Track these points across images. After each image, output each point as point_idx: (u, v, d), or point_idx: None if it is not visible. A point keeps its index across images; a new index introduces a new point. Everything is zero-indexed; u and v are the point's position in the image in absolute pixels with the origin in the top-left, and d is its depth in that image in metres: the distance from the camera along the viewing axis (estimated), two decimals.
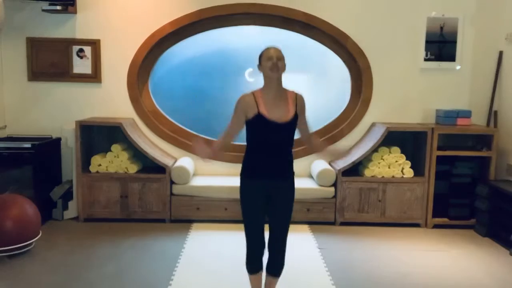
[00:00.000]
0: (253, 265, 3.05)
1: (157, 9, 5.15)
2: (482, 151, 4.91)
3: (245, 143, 2.99)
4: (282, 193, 2.99)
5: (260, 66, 2.91)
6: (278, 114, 2.85)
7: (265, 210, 2.99)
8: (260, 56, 2.90)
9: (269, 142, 2.90)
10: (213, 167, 5.28)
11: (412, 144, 5.24)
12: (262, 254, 3.04)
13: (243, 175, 2.99)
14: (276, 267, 3.06)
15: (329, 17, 5.19)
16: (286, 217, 3.02)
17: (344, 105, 5.49)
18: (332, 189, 4.97)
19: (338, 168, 4.96)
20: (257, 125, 2.86)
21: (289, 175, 3.02)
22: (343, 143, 5.39)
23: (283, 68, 2.87)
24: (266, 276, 3.11)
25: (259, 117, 2.83)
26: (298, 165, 5.34)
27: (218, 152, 3.04)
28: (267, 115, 2.83)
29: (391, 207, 4.96)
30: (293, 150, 3.05)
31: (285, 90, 2.94)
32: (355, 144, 5.36)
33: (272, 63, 2.82)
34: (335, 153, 3.20)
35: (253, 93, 2.90)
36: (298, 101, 2.95)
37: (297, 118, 2.93)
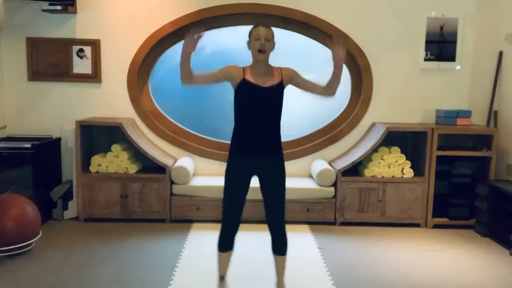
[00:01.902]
0: (225, 243, 3.10)
1: (157, 9, 5.15)
2: (482, 151, 4.91)
3: None
4: (272, 171, 3.00)
5: (249, 43, 2.93)
6: (263, 81, 2.91)
7: (247, 189, 3.00)
8: (250, 34, 2.95)
9: (255, 113, 2.92)
10: (213, 167, 5.29)
11: (412, 144, 5.24)
12: (235, 233, 3.08)
13: (230, 153, 3.01)
14: (281, 246, 3.09)
15: (329, 17, 5.19)
16: (280, 195, 3.03)
17: (344, 105, 5.49)
18: (332, 189, 4.97)
19: (338, 168, 4.96)
20: (243, 91, 2.90)
21: (277, 152, 3.02)
22: (343, 143, 5.40)
23: (271, 48, 2.93)
24: (274, 257, 3.13)
25: (244, 82, 2.89)
26: (298, 165, 5.40)
27: (187, 71, 2.91)
28: (251, 80, 2.89)
29: (391, 207, 4.96)
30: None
31: (271, 67, 3.00)
32: (355, 144, 5.36)
33: (260, 43, 2.86)
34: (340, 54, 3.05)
35: (242, 66, 2.98)
36: (284, 71, 3.00)
37: (283, 87, 2.96)
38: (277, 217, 3.03)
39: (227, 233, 3.07)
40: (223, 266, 3.20)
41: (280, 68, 3.02)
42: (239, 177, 2.97)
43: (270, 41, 2.90)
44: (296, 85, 3.07)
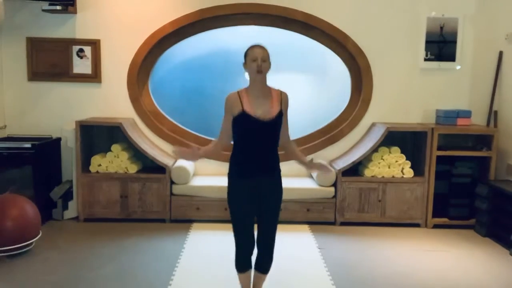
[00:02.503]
0: (242, 264, 3.06)
1: (157, 9, 5.15)
2: (482, 151, 4.91)
3: None
4: (269, 191, 2.99)
5: (245, 64, 2.92)
6: (263, 112, 2.86)
7: (253, 209, 2.99)
8: (246, 55, 2.91)
9: (254, 140, 2.91)
10: (213, 167, 5.28)
11: (412, 144, 5.24)
12: (251, 253, 3.04)
13: (230, 175, 3.00)
14: (264, 265, 3.07)
15: (329, 17, 5.19)
16: (274, 215, 3.03)
17: (344, 105, 5.49)
18: (332, 189, 4.97)
19: (338, 168, 4.96)
20: (242, 123, 2.88)
21: (275, 173, 3.02)
22: (343, 143, 5.39)
23: (267, 69, 2.89)
24: (255, 273, 3.12)
25: (243, 114, 2.85)
26: (298, 165, 5.36)
27: (214, 151, 3.04)
28: (251, 113, 2.85)
29: (391, 207, 4.96)
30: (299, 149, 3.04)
31: (269, 88, 2.96)
32: (355, 144, 5.36)
33: (257, 65, 2.83)
34: (316, 168, 3.14)
35: (238, 92, 2.92)
36: (283, 99, 2.97)
37: (282, 116, 2.94)
38: (268, 236, 3.02)
39: (243, 254, 3.03)
40: (245, 285, 3.18)
41: (280, 93, 2.98)
42: (244, 197, 2.95)
43: (266, 62, 2.87)
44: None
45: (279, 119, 2.92)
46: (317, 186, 5.00)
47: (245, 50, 2.93)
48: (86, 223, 4.88)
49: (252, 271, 3.12)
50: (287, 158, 3.07)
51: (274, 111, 2.89)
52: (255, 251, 3.07)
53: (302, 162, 3.14)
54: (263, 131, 2.89)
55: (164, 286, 3.50)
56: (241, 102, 2.87)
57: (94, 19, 5.16)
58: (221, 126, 3.00)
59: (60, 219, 4.95)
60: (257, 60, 2.83)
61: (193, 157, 3.04)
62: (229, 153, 3.01)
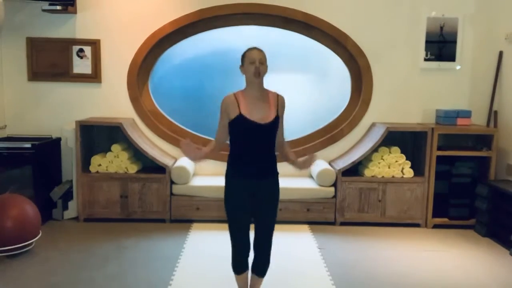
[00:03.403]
0: (239, 266, 3.05)
1: (157, 9, 5.15)
2: (482, 151, 4.91)
3: None
4: (266, 193, 2.98)
5: (242, 67, 2.90)
6: (260, 115, 2.86)
7: (250, 210, 2.98)
8: (243, 58, 2.90)
9: (251, 143, 2.91)
10: (213, 167, 5.28)
11: (412, 144, 5.24)
12: (247, 254, 3.03)
13: (228, 176, 3.00)
14: (261, 268, 3.07)
15: (329, 17, 5.19)
16: (271, 217, 3.02)
17: (344, 105, 5.49)
18: (332, 189, 4.97)
19: (338, 168, 4.96)
20: (239, 126, 2.87)
21: (273, 175, 3.01)
22: (343, 143, 5.40)
23: (265, 72, 2.89)
24: (252, 276, 3.11)
25: (240, 117, 2.85)
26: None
27: (212, 152, 3.03)
28: (248, 116, 2.84)
29: (391, 207, 4.96)
30: (294, 151, 3.04)
31: (266, 91, 2.95)
32: (355, 144, 5.36)
33: (255, 67, 2.82)
34: (306, 164, 3.12)
35: (234, 94, 2.91)
36: (280, 102, 2.97)
37: (279, 119, 2.94)
38: (265, 238, 3.02)
39: (239, 256, 3.02)
40: (243, 286, 3.18)
41: (277, 96, 2.97)
42: (240, 198, 2.95)
43: (264, 64, 2.87)
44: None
45: (276, 122, 2.92)
46: (317, 186, 5.00)
47: (243, 51, 2.93)
48: (86, 223, 4.88)
49: (249, 273, 3.12)
50: (280, 159, 3.06)
51: (271, 115, 2.89)
52: (252, 254, 3.06)
53: (294, 163, 3.12)
54: (260, 134, 2.89)
55: (164, 286, 3.50)
56: (238, 105, 2.86)
57: (94, 19, 5.16)
58: (217, 128, 3.00)
59: (60, 219, 4.95)
60: (255, 63, 2.82)
61: (195, 157, 3.03)
62: (227, 153, 3.01)
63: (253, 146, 2.91)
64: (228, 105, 2.88)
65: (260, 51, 2.88)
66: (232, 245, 3.02)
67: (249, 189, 2.94)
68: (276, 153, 3.04)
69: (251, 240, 3.03)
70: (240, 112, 2.85)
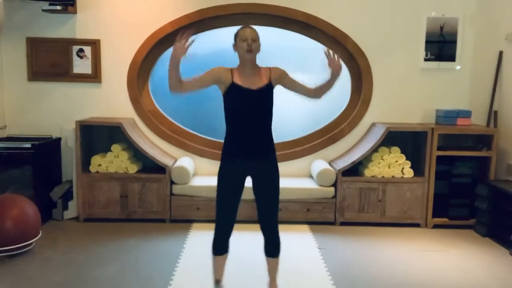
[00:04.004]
0: (219, 246, 3.06)
1: (157, 9, 5.15)
2: (482, 151, 4.91)
3: None
4: (265, 173, 2.99)
5: (235, 45, 2.95)
6: (252, 83, 2.90)
7: (240, 193, 3.00)
8: (236, 36, 2.96)
9: (245, 115, 2.92)
10: (213, 167, 5.26)
11: (412, 144, 5.24)
12: (229, 236, 3.05)
13: (223, 155, 3.02)
14: (273, 248, 3.08)
15: (329, 17, 5.19)
16: (273, 197, 3.03)
17: (344, 105, 5.49)
18: (332, 189, 4.97)
19: (338, 168, 4.96)
20: (232, 94, 2.91)
21: (269, 154, 3.01)
22: (343, 143, 5.40)
23: (257, 49, 2.93)
24: (267, 259, 3.12)
25: (233, 85, 2.89)
26: (298, 165, 5.40)
27: (178, 82, 2.93)
28: (240, 83, 2.89)
29: (391, 207, 4.96)
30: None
31: (259, 67, 2.99)
32: (355, 144, 5.36)
33: (247, 44, 2.88)
34: (334, 65, 3.05)
35: (230, 68, 2.97)
36: (272, 71, 3.00)
37: (272, 87, 2.96)
38: (270, 219, 3.03)
39: (221, 236, 3.04)
40: (218, 270, 3.16)
41: (269, 68, 3.01)
42: (233, 179, 2.97)
43: (256, 42, 2.91)
44: (284, 85, 3.07)
45: (269, 90, 2.94)
46: (317, 186, 5.00)
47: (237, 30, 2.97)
48: (86, 223, 4.88)
49: (265, 259, 3.12)
50: (322, 92, 3.01)
51: (263, 82, 2.93)
52: (261, 238, 3.06)
53: (327, 82, 3.05)
54: (253, 101, 2.91)
55: (164, 286, 3.50)
56: (232, 75, 2.92)
57: (94, 19, 5.16)
58: (193, 77, 2.94)
59: (60, 219, 4.95)
60: (247, 40, 2.88)
61: (177, 57, 2.89)
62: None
63: (248, 118, 2.92)
64: (222, 73, 2.93)
65: (252, 29, 2.94)
66: (216, 225, 3.04)
67: (243, 170, 2.95)
68: (314, 98, 3.03)
69: (234, 223, 3.03)
70: (233, 81, 2.90)
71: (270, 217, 3.03)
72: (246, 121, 2.93)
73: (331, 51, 3.02)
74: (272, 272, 3.18)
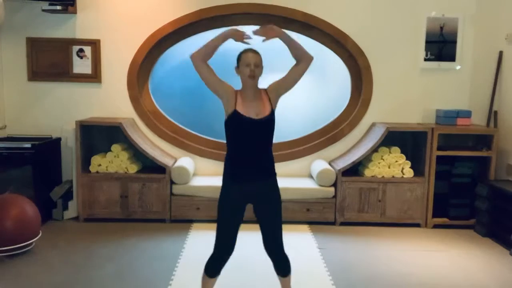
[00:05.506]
0: (214, 269, 2.99)
1: (157, 9, 5.15)
2: (482, 151, 4.91)
3: None
4: (266, 195, 2.96)
5: (238, 69, 2.91)
6: (254, 112, 2.87)
7: (242, 216, 2.96)
8: (238, 59, 2.91)
9: (247, 142, 2.89)
10: (213, 167, 5.29)
11: (412, 144, 5.24)
12: (227, 259, 2.98)
13: (224, 178, 2.98)
14: (284, 267, 3.05)
15: (329, 17, 5.19)
16: (277, 217, 2.99)
17: (344, 105, 5.49)
18: (332, 189, 4.97)
19: (338, 168, 4.96)
20: (234, 123, 2.87)
21: (270, 176, 2.98)
22: (343, 143, 5.40)
23: (259, 74, 2.90)
24: (280, 279, 3.09)
25: (235, 114, 2.85)
26: (298, 165, 5.40)
27: (207, 57, 2.93)
28: (243, 112, 2.85)
29: (391, 207, 4.96)
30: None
31: (259, 90, 2.96)
32: (355, 144, 5.36)
33: (250, 70, 2.83)
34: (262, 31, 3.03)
35: (236, 90, 2.93)
36: (269, 93, 2.96)
37: (274, 114, 2.93)
38: (275, 241, 2.98)
39: (219, 260, 2.98)
40: None
41: (265, 90, 2.96)
42: (235, 203, 2.93)
43: (259, 67, 2.88)
44: (283, 90, 3.03)
45: (271, 118, 2.91)
46: (317, 186, 5.00)
47: (240, 51, 2.94)
48: (86, 223, 4.88)
49: (276, 277, 3.09)
50: (302, 54, 2.97)
51: (266, 111, 2.89)
52: (268, 258, 3.03)
53: (290, 47, 3.00)
54: (256, 131, 2.88)
55: (164, 286, 3.50)
56: (235, 100, 2.88)
57: (94, 19, 5.16)
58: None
59: (60, 219, 4.95)
60: (250, 65, 2.84)
61: (235, 35, 2.94)
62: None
63: (249, 145, 2.90)
64: (230, 93, 2.89)
65: (255, 53, 2.89)
66: (215, 246, 2.97)
67: (245, 195, 2.92)
68: (303, 63, 2.97)
69: (234, 248, 2.99)
70: (235, 108, 2.85)
71: (276, 239, 2.98)
72: (247, 147, 2.90)
73: (258, 30, 2.98)
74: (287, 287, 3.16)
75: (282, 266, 3.04)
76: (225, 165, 2.98)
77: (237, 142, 2.92)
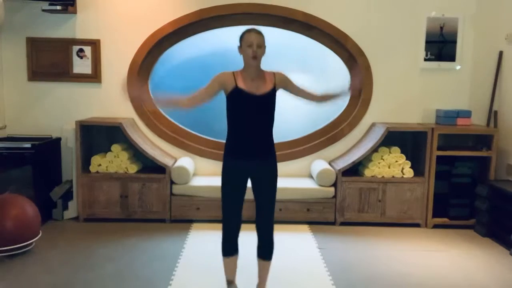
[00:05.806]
0: (228, 247, 3.08)
1: (157, 9, 5.15)
2: (482, 151, 4.91)
3: None
4: (264, 173, 3.01)
5: (240, 49, 2.93)
6: (255, 88, 2.90)
7: (244, 192, 3.02)
8: (241, 39, 2.94)
9: (248, 118, 2.93)
10: (213, 167, 5.28)
11: (412, 144, 5.24)
12: (237, 235, 3.07)
13: (225, 155, 3.03)
14: (266, 250, 3.09)
15: (329, 17, 5.19)
16: (271, 198, 3.04)
17: (344, 105, 5.49)
18: (332, 189, 4.97)
19: (338, 168, 4.96)
20: (235, 98, 2.91)
21: (270, 155, 3.03)
22: (343, 143, 5.40)
23: (262, 54, 2.93)
24: (258, 261, 3.14)
25: (236, 90, 2.88)
26: (298, 165, 5.40)
27: (186, 101, 3.04)
28: (243, 87, 2.88)
29: (391, 207, 4.96)
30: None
31: (263, 72, 2.99)
32: (355, 144, 5.36)
33: (252, 51, 2.86)
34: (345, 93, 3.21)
35: (232, 72, 2.96)
36: (277, 77, 3.01)
37: (275, 92, 2.97)
38: (266, 221, 3.05)
39: (229, 237, 3.06)
40: (230, 271, 3.17)
41: (273, 73, 3.01)
42: (235, 179, 2.99)
43: (262, 47, 2.90)
44: (289, 90, 3.10)
45: (272, 96, 2.94)
46: (317, 186, 5.00)
47: (242, 31, 2.96)
48: (86, 223, 4.88)
49: (256, 261, 3.13)
50: (326, 102, 3.19)
51: (267, 87, 2.92)
52: (256, 239, 3.07)
53: (330, 96, 3.20)
54: (256, 106, 2.91)
55: (164, 286, 3.50)
56: (235, 79, 2.91)
57: (94, 19, 5.16)
58: (198, 90, 3.00)
59: (60, 219, 4.95)
60: (253, 46, 2.86)
61: (167, 101, 3.21)
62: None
63: (249, 121, 2.93)
64: (225, 79, 2.92)
65: (258, 33, 2.91)
66: (224, 225, 3.06)
67: (245, 171, 2.96)
68: (314, 102, 3.14)
69: (241, 222, 3.05)
70: (236, 85, 2.88)
71: (267, 218, 3.05)
72: (248, 124, 2.93)
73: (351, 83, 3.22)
74: (263, 275, 3.19)
75: (266, 246, 3.08)
76: (226, 142, 3.03)
77: (238, 118, 2.95)
